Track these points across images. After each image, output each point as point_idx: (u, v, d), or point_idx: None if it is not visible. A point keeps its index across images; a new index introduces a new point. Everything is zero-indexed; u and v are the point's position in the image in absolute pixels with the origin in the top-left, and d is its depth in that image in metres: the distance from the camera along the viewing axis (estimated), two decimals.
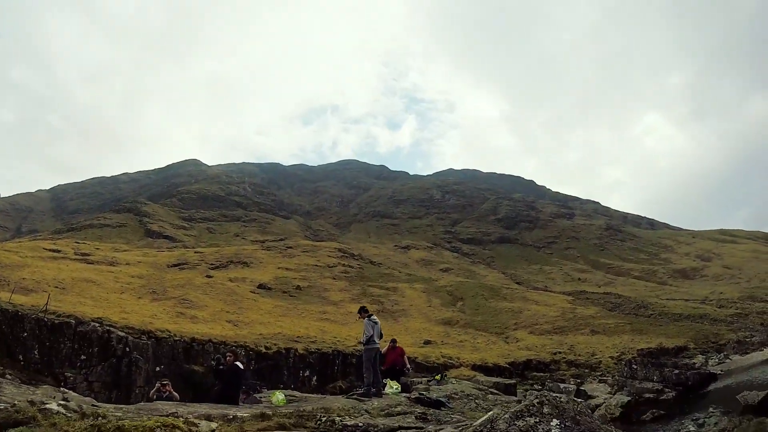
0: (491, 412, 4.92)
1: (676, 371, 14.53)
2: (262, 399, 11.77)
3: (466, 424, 5.63)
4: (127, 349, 20.98)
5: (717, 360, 18.64)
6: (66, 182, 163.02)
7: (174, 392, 13.32)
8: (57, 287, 33.06)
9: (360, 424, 6.03)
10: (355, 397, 11.43)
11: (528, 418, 4.23)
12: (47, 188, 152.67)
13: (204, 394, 17.25)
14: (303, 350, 25.92)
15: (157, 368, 21.58)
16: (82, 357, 20.28)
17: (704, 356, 20.95)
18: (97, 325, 21.24)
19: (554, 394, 4.68)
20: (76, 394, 14.06)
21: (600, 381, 20.56)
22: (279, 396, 11.27)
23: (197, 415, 6.78)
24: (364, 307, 12.53)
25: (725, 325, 40.57)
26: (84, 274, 41.26)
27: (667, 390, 14.00)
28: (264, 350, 24.95)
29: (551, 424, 4.10)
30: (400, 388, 13.27)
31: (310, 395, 14.10)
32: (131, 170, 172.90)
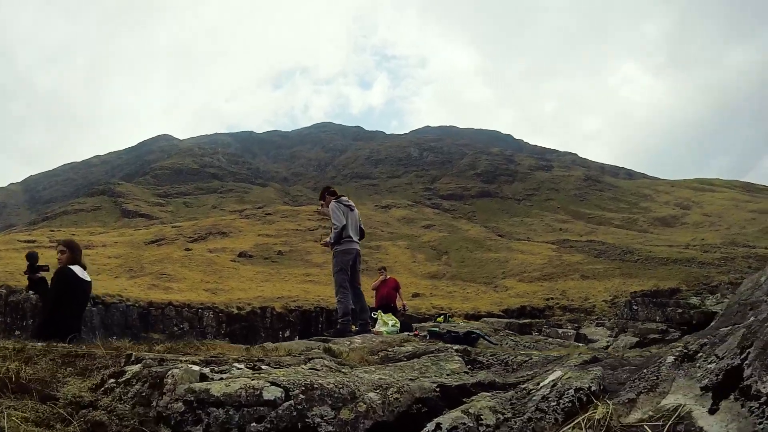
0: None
1: (680, 310, 13.76)
2: None
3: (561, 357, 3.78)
4: None
5: (714, 300, 18.10)
6: (38, 172, 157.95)
7: None
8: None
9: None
10: (319, 339, 6.10)
11: None
12: (19, 180, 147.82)
13: None
14: (281, 308, 24.67)
15: (109, 339, 19.99)
16: (17, 333, 18.31)
17: (698, 297, 20.48)
18: (32, 293, 19.60)
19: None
20: None
21: (597, 324, 19.96)
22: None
23: None
24: (330, 186, 8.21)
25: (714, 267, 40.57)
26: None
27: (671, 330, 13.23)
28: (236, 311, 23.37)
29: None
30: (398, 325, 8.74)
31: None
32: (102, 152, 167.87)
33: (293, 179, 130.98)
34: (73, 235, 59.51)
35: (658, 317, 14.78)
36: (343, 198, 7.75)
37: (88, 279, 5.30)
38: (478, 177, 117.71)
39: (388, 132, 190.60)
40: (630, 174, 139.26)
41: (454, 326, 9.75)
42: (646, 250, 53.25)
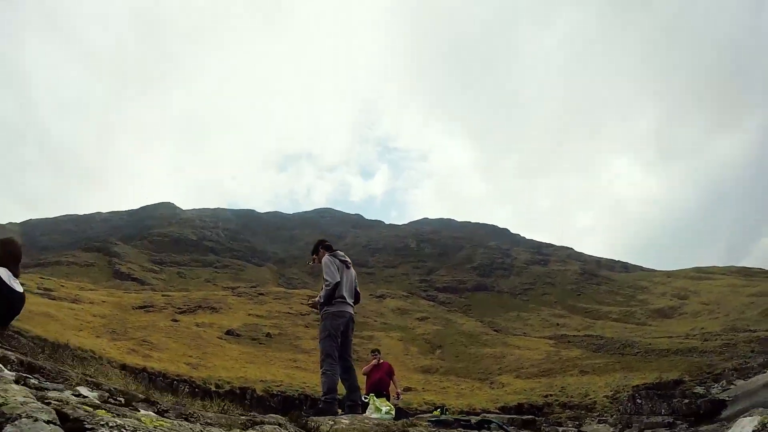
0: None
1: (686, 401, 12.85)
2: None
3: None
4: None
5: (720, 387, 17.11)
6: (38, 217, 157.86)
7: None
8: None
9: None
10: (300, 416, 4.62)
11: None
12: (19, 221, 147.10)
13: None
14: (263, 391, 23.09)
15: None
16: None
17: (703, 386, 19.39)
18: None
19: None
20: None
21: (599, 422, 18.61)
22: None
23: None
24: (325, 240, 7.20)
25: (716, 355, 39.43)
26: (43, 308, 38.09)
27: (678, 422, 12.30)
28: (214, 388, 21.75)
29: None
30: (393, 412, 7.37)
31: None
32: (105, 210, 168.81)
33: (290, 261, 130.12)
34: (62, 286, 58.08)
35: (663, 410, 13.82)
36: (339, 252, 6.86)
37: (19, 290, 4.28)
38: (474, 270, 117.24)
39: (387, 222, 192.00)
40: (626, 267, 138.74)
41: (464, 416, 8.38)
42: (646, 342, 51.71)
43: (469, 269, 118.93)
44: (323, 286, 6.56)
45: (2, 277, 4.12)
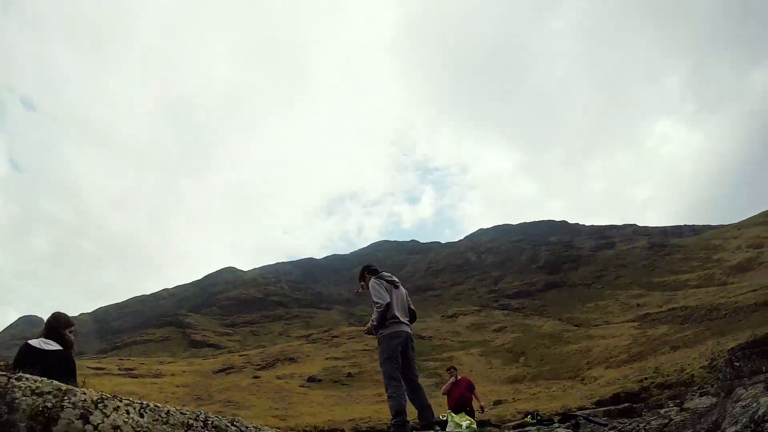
0: None
1: None
2: None
3: None
4: None
5: None
6: (107, 303, 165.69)
7: None
8: None
9: None
10: None
11: None
12: (89, 311, 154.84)
13: None
14: (351, 430, 23.06)
15: None
16: None
17: None
18: None
19: None
20: None
21: (701, 395, 17.46)
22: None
23: None
24: (370, 265, 7.04)
25: None
26: (127, 387, 39.83)
27: None
28: None
29: None
30: (474, 424, 7.47)
31: None
32: (170, 285, 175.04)
33: (356, 300, 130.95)
34: (142, 364, 60.51)
35: (764, 367, 12.86)
36: (385, 274, 6.68)
37: (48, 348, 4.62)
38: (541, 270, 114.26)
39: (443, 241, 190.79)
40: (693, 229, 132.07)
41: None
42: (732, 302, 48.57)
43: (536, 270, 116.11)
44: (374, 309, 6.45)
45: (31, 342, 4.56)
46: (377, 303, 6.36)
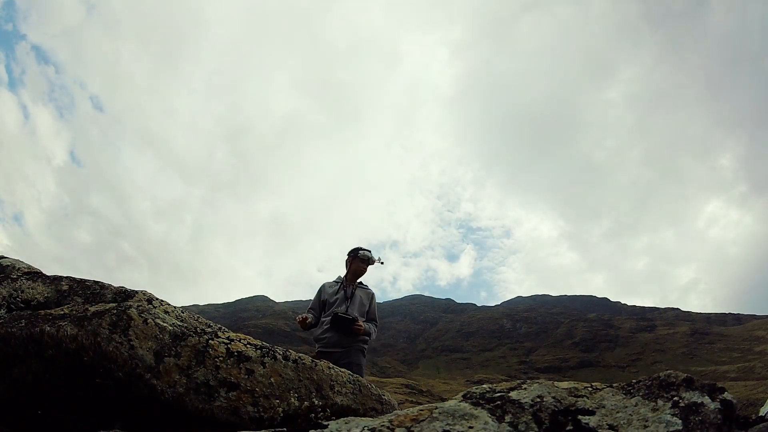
0: None
1: None
2: None
3: None
4: None
5: None
6: None
7: None
8: None
9: None
10: None
11: None
12: None
13: None
14: None
15: None
16: None
17: None
18: None
19: None
20: None
21: None
22: None
23: None
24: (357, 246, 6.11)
25: None
26: None
27: None
28: None
29: None
30: None
31: None
32: (199, 301, 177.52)
33: (382, 350, 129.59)
34: None
35: None
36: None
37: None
38: (576, 346, 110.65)
39: (479, 304, 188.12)
40: (738, 318, 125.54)
41: None
42: None
43: (571, 345, 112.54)
44: (375, 328, 6.12)
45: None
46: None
